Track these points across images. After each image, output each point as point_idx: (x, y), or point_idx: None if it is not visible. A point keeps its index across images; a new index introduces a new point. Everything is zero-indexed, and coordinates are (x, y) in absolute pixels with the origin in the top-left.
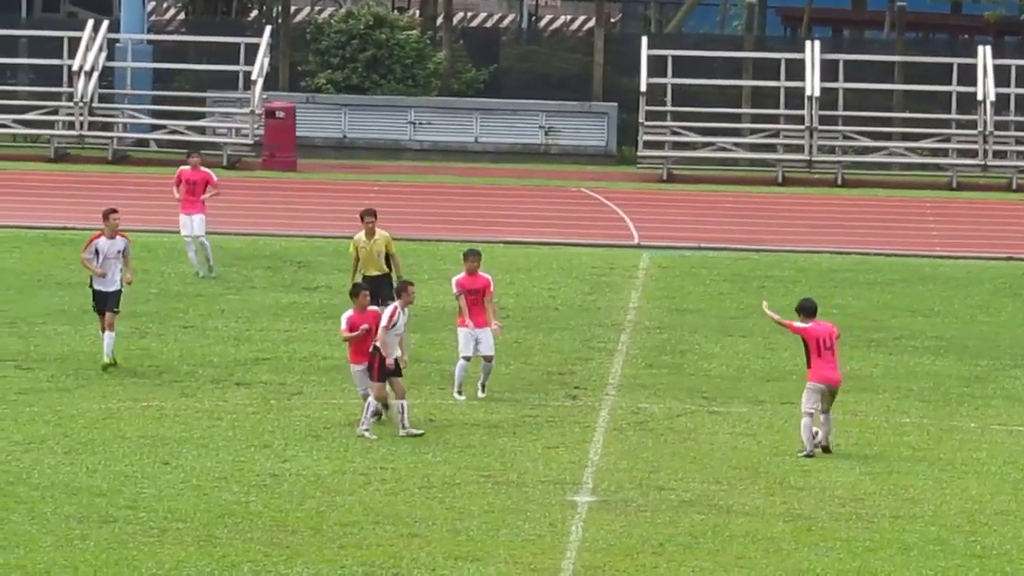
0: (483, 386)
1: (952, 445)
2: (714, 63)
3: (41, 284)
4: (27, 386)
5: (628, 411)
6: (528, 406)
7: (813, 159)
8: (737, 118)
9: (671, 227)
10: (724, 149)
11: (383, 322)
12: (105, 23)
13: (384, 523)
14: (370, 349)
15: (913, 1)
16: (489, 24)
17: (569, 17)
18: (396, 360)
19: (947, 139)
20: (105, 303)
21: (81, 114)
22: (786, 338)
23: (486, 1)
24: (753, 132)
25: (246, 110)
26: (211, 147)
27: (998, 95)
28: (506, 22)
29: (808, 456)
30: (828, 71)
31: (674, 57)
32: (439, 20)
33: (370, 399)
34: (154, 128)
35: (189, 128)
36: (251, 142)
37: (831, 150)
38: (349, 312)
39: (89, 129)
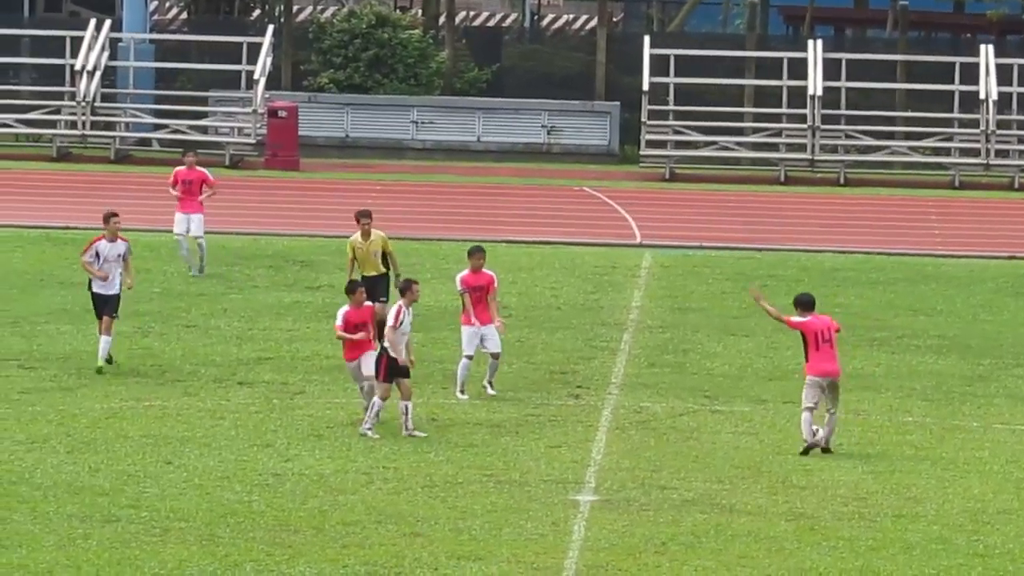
0: (491, 383)
1: (955, 444)
2: (716, 62)
3: (44, 283)
4: (30, 385)
5: (631, 410)
6: (531, 405)
7: (815, 158)
8: (739, 117)
9: (673, 226)
10: (726, 148)
11: (389, 321)
12: (107, 22)
13: (386, 522)
14: (377, 349)
15: (915, 0)
16: (492, 23)
17: (571, 16)
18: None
19: (949, 138)
20: (104, 307)
21: (83, 113)
22: (788, 337)
23: (488, 0)
24: (755, 131)
25: (248, 109)
26: (213, 147)
27: (1000, 94)
28: (508, 21)
29: (808, 447)
30: (830, 70)
31: (676, 56)
32: (441, 19)
33: (375, 399)
34: (156, 128)
35: (191, 128)
36: (254, 142)
37: (833, 149)
38: (345, 308)
39: (91, 128)
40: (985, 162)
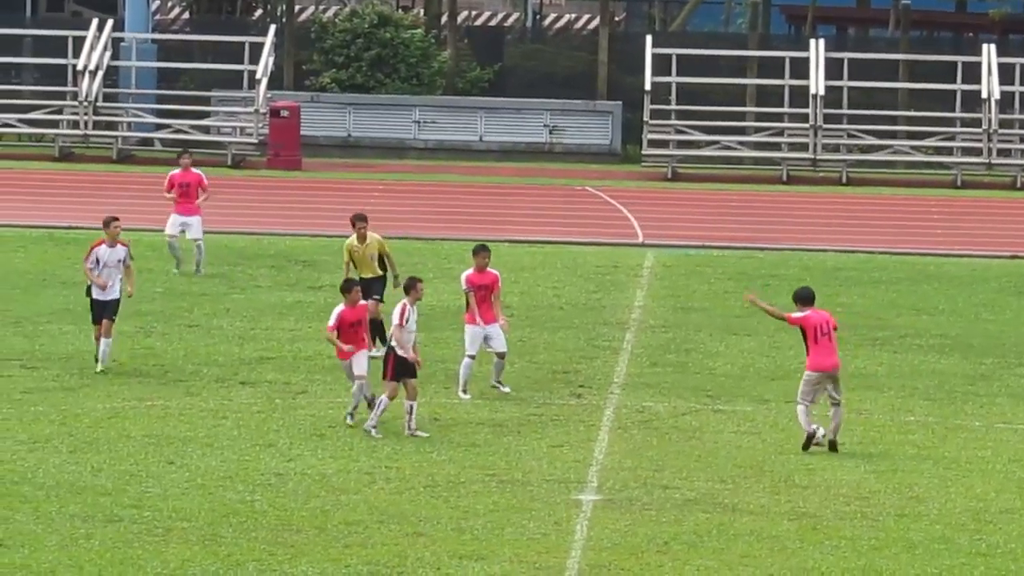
0: (500, 382)
1: (957, 443)
2: (718, 62)
3: (46, 283)
4: (32, 385)
5: (633, 410)
6: (533, 405)
7: (817, 157)
8: (742, 116)
9: (676, 226)
10: (729, 148)
11: (394, 320)
12: (110, 22)
13: (389, 522)
14: (369, 349)
15: None
16: (494, 23)
17: (574, 16)
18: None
19: (951, 137)
20: (103, 312)
21: (86, 113)
22: (791, 337)
23: (491, 0)
24: (758, 131)
25: (251, 109)
26: (216, 146)
27: (1003, 93)
28: (511, 21)
29: (809, 437)
30: (832, 69)
31: (678, 56)
32: (444, 19)
33: (382, 397)
34: (159, 127)
35: (194, 127)
36: (256, 141)
37: (835, 148)
38: (340, 307)
39: (94, 128)
40: (987, 161)
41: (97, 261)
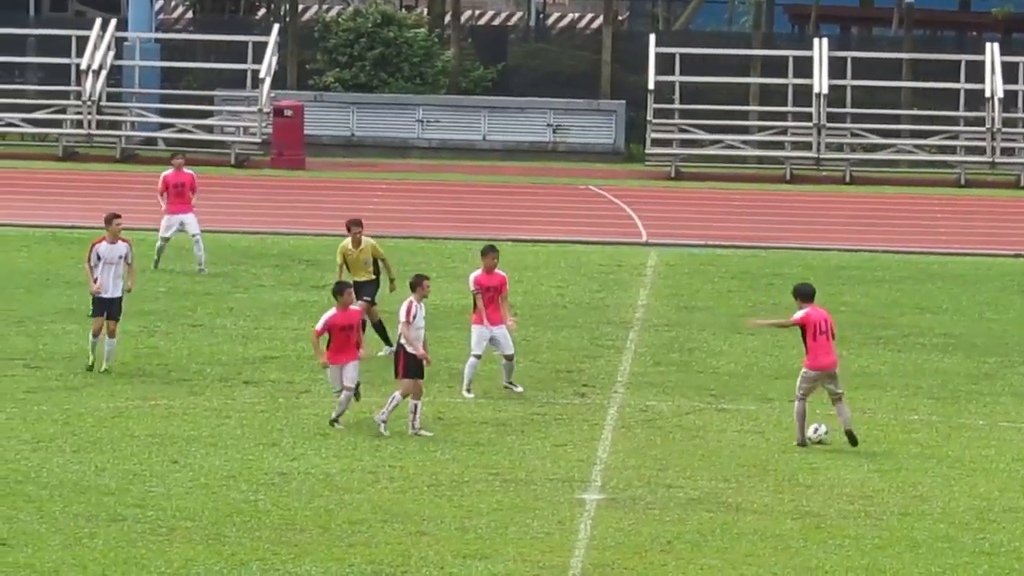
0: (512, 383)
1: (960, 442)
2: (722, 61)
3: (49, 283)
4: (35, 385)
5: (636, 409)
6: (536, 404)
7: (821, 156)
8: (745, 115)
9: (679, 225)
10: (732, 147)
11: (401, 317)
12: (113, 22)
13: (392, 521)
14: (360, 356)
15: None
16: (497, 22)
17: (577, 15)
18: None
19: (955, 136)
20: (106, 311)
21: (89, 113)
22: (794, 336)
23: None
24: (761, 130)
25: (254, 108)
26: (219, 146)
27: (1006, 92)
28: (514, 20)
29: (800, 444)
30: (836, 68)
31: (682, 55)
32: (447, 18)
33: (395, 394)
34: (162, 127)
35: (197, 127)
36: (259, 140)
37: (839, 147)
38: (331, 312)
39: (97, 128)
40: (991, 160)
41: (98, 257)
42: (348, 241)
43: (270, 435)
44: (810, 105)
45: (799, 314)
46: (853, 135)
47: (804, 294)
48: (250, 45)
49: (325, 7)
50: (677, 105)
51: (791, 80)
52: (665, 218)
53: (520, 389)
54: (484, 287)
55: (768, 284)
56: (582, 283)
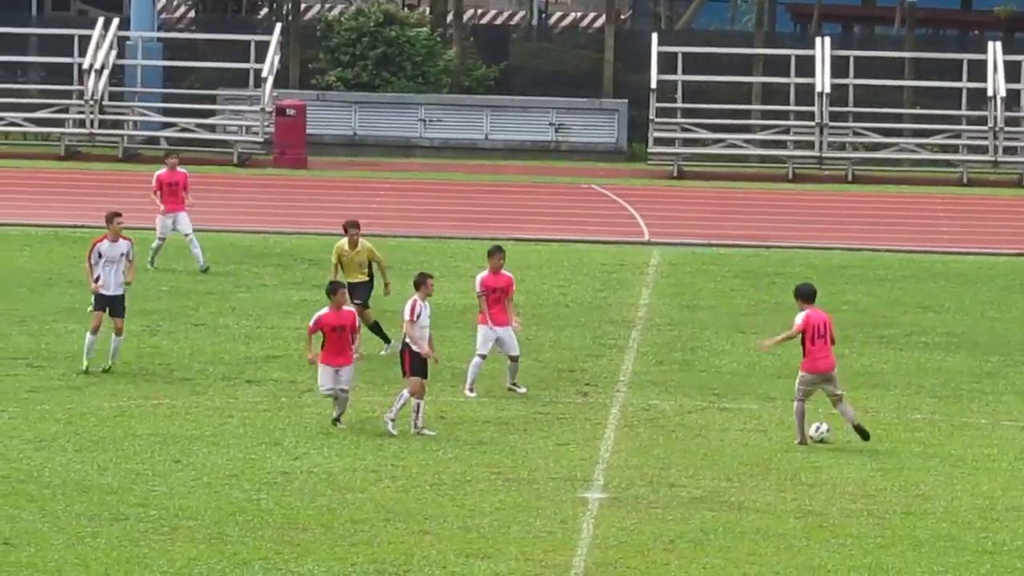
0: (516, 384)
1: (963, 441)
2: (724, 60)
3: (52, 282)
4: (38, 384)
5: (639, 408)
6: (539, 403)
7: (823, 155)
8: (747, 115)
9: (682, 224)
10: (734, 146)
11: (406, 316)
12: (115, 21)
13: (395, 520)
14: (356, 358)
15: None
16: (499, 21)
17: (579, 14)
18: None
19: (957, 135)
20: (109, 307)
21: (91, 112)
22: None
23: None
24: (763, 129)
25: (257, 108)
26: (221, 145)
27: (1008, 91)
28: (516, 19)
29: (801, 442)
30: (838, 67)
31: (684, 54)
32: (449, 17)
33: (403, 392)
34: (164, 126)
35: (199, 126)
36: (262, 140)
37: (841, 146)
38: (324, 310)
39: (99, 127)
40: (993, 159)
41: (100, 256)
42: (345, 242)
43: (272, 434)
44: (812, 104)
45: (799, 320)
46: (855, 134)
47: (805, 295)
48: (252, 44)
49: (327, 6)
50: (679, 104)
51: (793, 79)
52: (667, 217)
53: (523, 390)
54: (490, 288)
55: (770, 283)
56: (584, 282)
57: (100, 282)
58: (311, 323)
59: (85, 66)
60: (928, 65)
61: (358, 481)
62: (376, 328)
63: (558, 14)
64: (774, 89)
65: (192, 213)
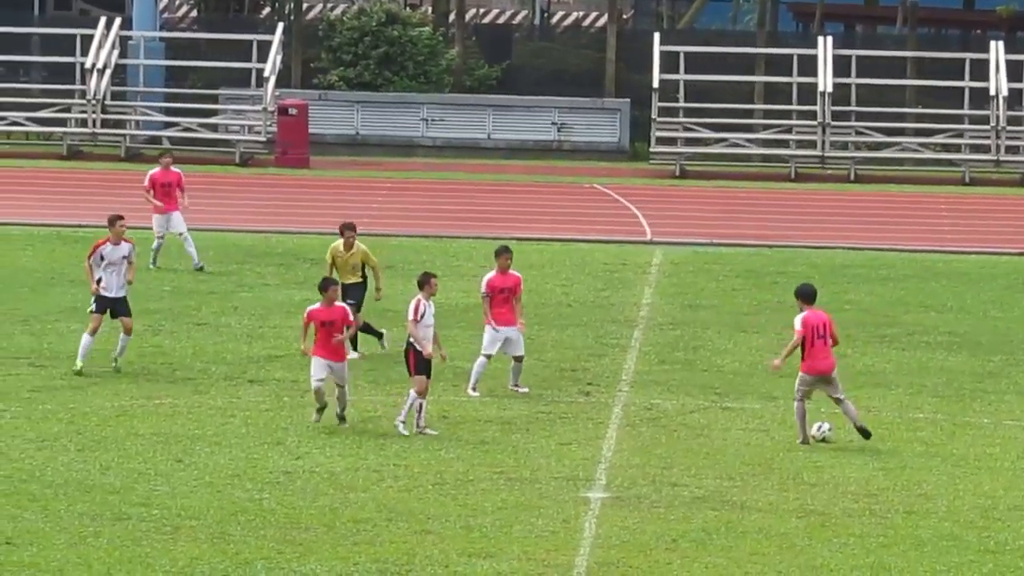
0: (518, 384)
1: (965, 441)
2: (726, 59)
3: (54, 282)
4: (40, 384)
5: (641, 407)
6: (541, 402)
7: (826, 155)
8: (750, 114)
9: (684, 223)
10: (737, 145)
11: (409, 315)
12: (117, 20)
13: (397, 520)
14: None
15: None
16: (502, 20)
17: (582, 13)
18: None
19: (960, 134)
20: (112, 307)
21: (94, 111)
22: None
23: None
24: (766, 128)
25: (259, 107)
26: (224, 144)
27: (1011, 90)
28: (519, 18)
29: (803, 442)
30: (840, 67)
31: (686, 53)
32: (451, 17)
33: (411, 391)
34: (167, 125)
35: (201, 125)
36: (264, 139)
37: (843, 146)
38: (315, 305)
39: (102, 126)
40: (995, 158)
41: (102, 258)
42: (340, 243)
43: (275, 434)
44: (815, 103)
45: (797, 324)
46: (858, 133)
47: (805, 295)
48: (254, 44)
49: (330, 6)
50: (682, 104)
51: (795, 78)
52: (670, 216)
53: (526, 390)
54: (498, 288)
55: (773, 282)
56: (587, 282)
57: (102, 284)
58: (304, 316)
59: (87, 66)
60: (930, 64)
61: (360, 480)
62: (366, 328)
63: (560, 13)
64: (776, 88)
65: (194, 213)
